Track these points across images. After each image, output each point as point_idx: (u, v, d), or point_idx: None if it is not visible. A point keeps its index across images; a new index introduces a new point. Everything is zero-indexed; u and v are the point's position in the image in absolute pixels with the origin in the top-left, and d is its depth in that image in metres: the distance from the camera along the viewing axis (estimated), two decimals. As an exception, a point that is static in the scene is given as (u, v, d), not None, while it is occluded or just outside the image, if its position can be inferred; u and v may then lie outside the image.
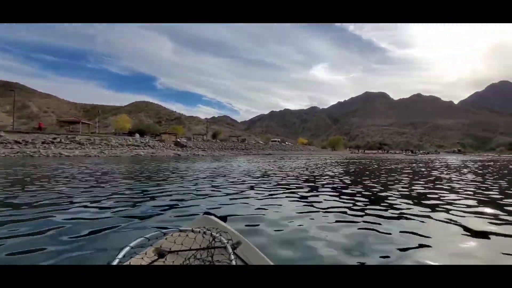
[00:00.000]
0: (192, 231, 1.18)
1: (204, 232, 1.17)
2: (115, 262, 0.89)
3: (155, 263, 1.04)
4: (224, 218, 1.52)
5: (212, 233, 1.17)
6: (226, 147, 51.73)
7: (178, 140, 44.85)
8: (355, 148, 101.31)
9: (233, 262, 0.98)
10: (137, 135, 39.49)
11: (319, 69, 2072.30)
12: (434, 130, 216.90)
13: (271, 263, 1.14)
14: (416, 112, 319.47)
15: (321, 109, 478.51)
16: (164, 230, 1.16)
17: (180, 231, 1.19)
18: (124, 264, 0.94)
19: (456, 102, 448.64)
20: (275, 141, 72.58)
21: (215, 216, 1.49)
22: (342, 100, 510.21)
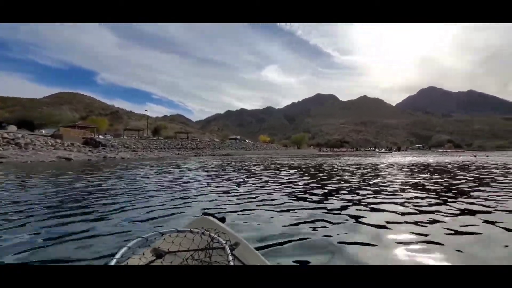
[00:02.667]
0: (190, 231, 1.18)
1: (202, 233, 1.17)
2: (113, 262, 0.90)
3: (153, 264, 1.03)
4: (222, 219, 1.49)
5: (211, 234, 1.16)
6: (170, 146, 39.11)
7: (91, 137, 30.90)
8: (318, 146, 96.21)
9: (231, 263, 0.98)
10: (13, 127, 24.72)
11: (270, 70, 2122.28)
12: (384, 129, 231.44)
13: (269, 264, 1.14)
14: (364, 112, 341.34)
15: (277, 109, 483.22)
16: (162, 231, 1.16)
17: (178, 231, 1.19)
18: (122, 264, 0.95)
19: (393, 104, 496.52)
20: (234, 139, 61.91)
21: (214, 217, 1.47)
22: (295, 101, 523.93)
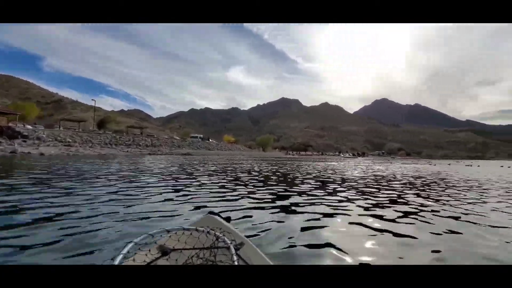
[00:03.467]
0: (196, 230, 1.19)
1: (208, 232, 1.18)
2: (119, 257, 0.92)
3: (159, 261, 1.04)
4: (228, 219, 1.50)
5: (216, 233, 1.18)
6: (119, 142, 33.47)
7: (7, 125, 24.48)
8: (284, 149, 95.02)
9: (236, 263, 0.99)
10: None
11: (236, 71, 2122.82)
12: (343, 135, 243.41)
13: (273, 265, 1.15)
14: (326, 118, 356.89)
15: (242, 110, 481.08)
16: (168, 228, 1.18)
17: (184, 229, 1.20)
18: (129, 259, 0.98)
19: (351, 112, 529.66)
20: (196, 137, 56.43)
21: (219, 216, 1.48)
22: (261, 103, 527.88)
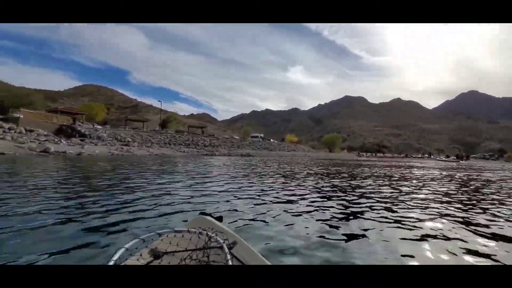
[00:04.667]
0: (188, 231, 1.18)
1: (200, 233, 1.17)
2: (110, 264, 0.90)
3: (151, 265, 1.03)
4: (220, 218, 1.49)
5: (208, 233, 1.17)
6: (178, 141, 31.83)
7: (67, 124, 24.24)
8: (353, 150, 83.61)
9: (230, 262, 0.98)
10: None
11: (295, 71, 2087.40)
12: (424, 134, 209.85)
13: (268, 263, 1.13)
14: (399, 115, 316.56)
15: (303, 111, 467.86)
16: (159, 231, 1.15)
17: (176, 231, 1.18)
18: (120, 265, 0.96)
19: (430, 108, 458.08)
20: (256, 136, 52.38)
21: (211, 216, 1.47)
22: (322, 102, 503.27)
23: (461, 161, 44.29)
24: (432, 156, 65.03)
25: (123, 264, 0.95)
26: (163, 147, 28.24)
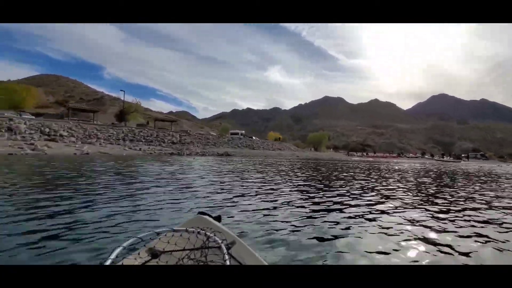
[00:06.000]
0: (186, 231, 1.17)
1: (198, 232, 1.16)
2: (107, 263, 0.89)
3: (148, 264, 1.02)
4: (218, 218, 1.47)
5: (206, 233, 1.15)
6: (136, 137, 25.10)
7: None
8: (336, 149, 79.32)
9: (227, 262, 0.97)
10: None
11: (274, 71, 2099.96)
12: (401, 133, 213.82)
13: (266, 263, 1.13)
14: (377, 116, 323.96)
15: (283, 110, 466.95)
16: (157, 230, 1.14)
17: (174, 231, 1.18)
18: (117, 264, 0.95)
19: (404, 109, 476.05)
20: (237, 133, 45.39)
21: (209, 216, 1.44)
22: (302, 102, 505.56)
23: (462, 161, 41.20)
24: (426, 156, 62.53)
25: (120, 263, 0.93)
26: (114, 143, 21.46)
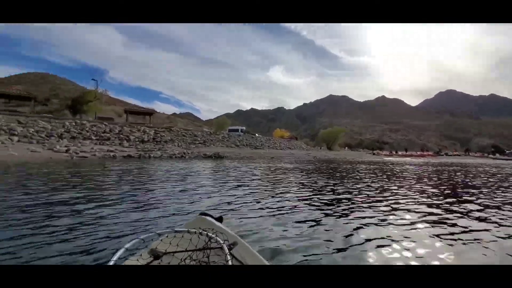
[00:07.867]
0: (188, 232, 1.16)
1: (200, 233, 1.15)
2: (110, 264, 0.89)
3: (150, 265, 1.00)
4: (220, 219, 1.46)
5: (208, 233, 1.15)
6: (83, 134, 17.01)
7: None
8: (349, 147, 69.79)
9: (229, 263, 0.97)
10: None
11: (276, 71, 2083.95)
12: (415, 130, 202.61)
13: (267, 263, 1.11)
14: (384, 113, 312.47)
15: (287, 110, 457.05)
16: (159, 231, 1.14)
17: (176, 232, 1.17)
18: (120, 265, 0.94)
19: (413, 106, 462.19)
20: (236, 130, 36.59)
21: (211, 216, 1.43)
22: (307, 102, 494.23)
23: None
24: (469, 154, 53.53)
25: (123, 264, 0.93)
26: (40, 143, 13.58)
